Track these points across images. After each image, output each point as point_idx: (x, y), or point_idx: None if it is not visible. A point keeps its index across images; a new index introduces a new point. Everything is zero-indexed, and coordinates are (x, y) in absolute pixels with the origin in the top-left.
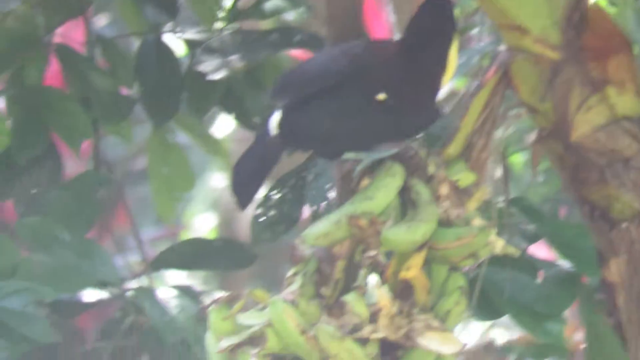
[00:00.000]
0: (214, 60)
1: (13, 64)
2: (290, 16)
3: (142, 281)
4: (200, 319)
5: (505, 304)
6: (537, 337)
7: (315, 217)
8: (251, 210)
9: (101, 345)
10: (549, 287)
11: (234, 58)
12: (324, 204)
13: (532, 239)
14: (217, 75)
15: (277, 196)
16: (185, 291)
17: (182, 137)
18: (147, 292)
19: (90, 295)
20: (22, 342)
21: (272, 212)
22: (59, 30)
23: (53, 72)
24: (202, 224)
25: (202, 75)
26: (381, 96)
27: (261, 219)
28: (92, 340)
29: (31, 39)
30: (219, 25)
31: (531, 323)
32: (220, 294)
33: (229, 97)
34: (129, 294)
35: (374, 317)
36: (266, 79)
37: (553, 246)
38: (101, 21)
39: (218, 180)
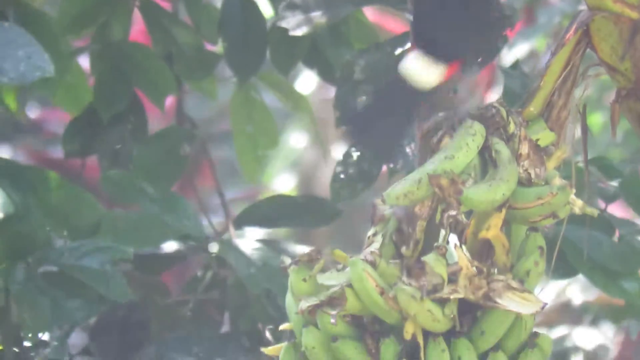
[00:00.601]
0: (297, 16)
1: (98, 20)
2: None
3: (226, 237)
4: (284, 273)
5: (580, 262)
6: (612, 295)
7: (393, 174)
8: (330, 170)
9: (184, 299)
10: (625, 246)
11: (316, 14)
12: (402, 161)
13: (611, 198)
14: (300, 31)
15: (357, 153)
16: (269, 244)
17: (265, 95)
18: (232, 245)
19: (174, 249)
20: (99, 301)
21: (351, 170)
22: None
23: (137, 28)
24: (282, 184)
25: (286, 31)
26: None
27: (340, 177)
28: (176, 295)
29: None
30: None
31: (605, 281)
32: (301, 251)
33: (312, 53)
34: (213, 248)
35: (453, 278)
36: (349, 34)
37: (631, 205)
38: None
39: (298, 139)
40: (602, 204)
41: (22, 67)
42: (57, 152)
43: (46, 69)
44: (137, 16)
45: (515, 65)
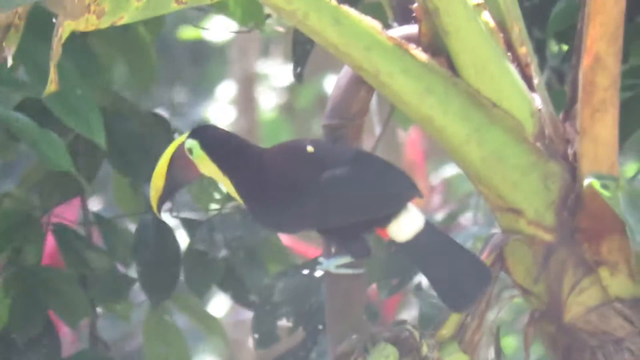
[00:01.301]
0: (215, 238)
1: (10, 244)
2: None
3: None
4: None
5: None
6: None
7: None
8: None
9: None
10: None
11: (234, 236)
12: None
13: None
14: (218, 253)
15: None
16: None
17: (178, 317)
18: None
19: None
20: None
21: None
22: (55, 211)
23: (50, 252)
24: None
25: (202, 254)
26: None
27: None
28: None
29: (28, 220)
30: (215, 206)
31: None
32: None
33: (227, 276)
34: None
35: None
36: (265, 257)
37: None
38: (97, 202)
39: None
40: None
41: None
42: None
43: None
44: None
45: (420, 287)
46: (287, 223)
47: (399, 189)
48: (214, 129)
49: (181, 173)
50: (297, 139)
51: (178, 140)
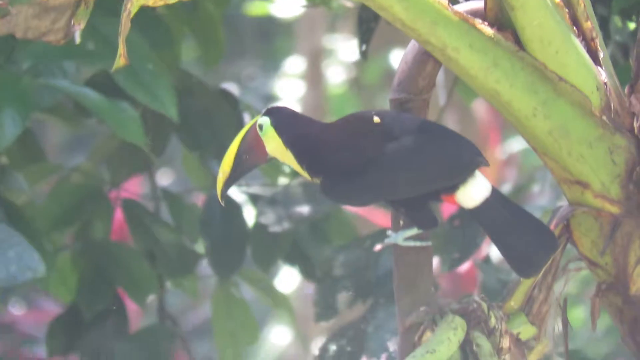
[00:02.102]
0: (278, 212)
1: (79, 218)
2: None
3: None
4: None
5: None
6: None
7: None
8: None
9: None
10: None
11: (298, 210)
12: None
13: None
14: (280, 227)
15: (335, 348)
16: None
17: (245, 291)
18: None
19: None
20: None
21: None
22: (124, 185)
23: (119, 226)
24: None
25: (267, 228)
26: (376, 119)
27: None
28: None
29: (96, 194)
30: (283, 180)
31: None
32: None
33: (293, 250)
34: None
35: None
36: (330, 231)
37: None
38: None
39: (279, 335)
40: None
41: (13, 268)
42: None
43: (37, 269)
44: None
45: (488, 260)
46: (358, 195)
47: (467, 157)
48: (287, 109)
49: (251, 155)
50: (363, 111)
51: (251, 121)
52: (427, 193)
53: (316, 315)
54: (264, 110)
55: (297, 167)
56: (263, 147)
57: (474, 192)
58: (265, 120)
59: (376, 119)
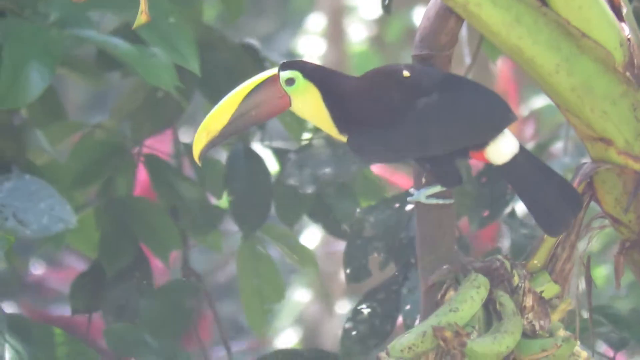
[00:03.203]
0: (305, 174)
1: (102, 175)
2: None
3: None
4: None
5: None
6: None
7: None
8: (334, 325)
9: None
10: None
11: (324, 171)
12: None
13: (619, 346)
14: (308, 189)
15: (367, 310)
16: None
17: (270, 248)
18: None
19: None
20: None
21: (362, 326)
22: (147, 142)
23: (142, 183)
24: (285, 338)
25: (296, 189)
26: (406, 73)
27: (352, 333)
28: None
29: (119, 151)
30: (307, 135)
31: None
32: None
33: (317, 207)
34: None
35: None
36: (356, 189)
37: None
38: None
39: (303, 293)
40: (610, 353)
41: (45, 219)
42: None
43: (69, 220)
44: (142, 170)
45: (514, 215)
46: (388, 151)
47: (499, 113)
48: (309, 62)
49: (260, 111)
50: (392, 65)
51: (262, 76)
52: (457, 150)
53: (347, 277)
54: (279, 66)
55: (326, 124)
56: (283, 102)
57: (503, 148)
58: (295, 74)
59: (405, 73)
